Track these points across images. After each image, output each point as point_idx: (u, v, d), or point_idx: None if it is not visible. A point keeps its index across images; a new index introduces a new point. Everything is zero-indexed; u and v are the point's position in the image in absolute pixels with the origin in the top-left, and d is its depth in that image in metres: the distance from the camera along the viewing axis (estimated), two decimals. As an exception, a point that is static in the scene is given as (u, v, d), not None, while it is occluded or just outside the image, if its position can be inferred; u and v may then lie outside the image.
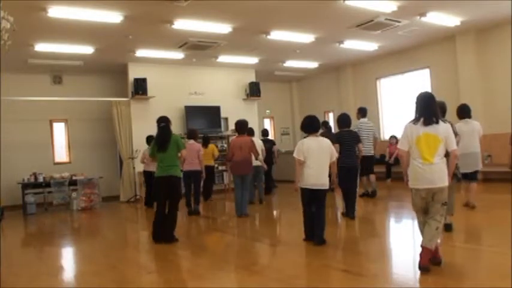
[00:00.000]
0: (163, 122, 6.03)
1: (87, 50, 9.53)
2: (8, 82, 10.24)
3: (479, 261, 4.11)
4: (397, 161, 11.42)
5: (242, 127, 7.74)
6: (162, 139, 5.91)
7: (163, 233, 5.75)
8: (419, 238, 5.59)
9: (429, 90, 11.34)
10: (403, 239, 5.63)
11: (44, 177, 10.27)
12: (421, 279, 3.75)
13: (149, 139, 9.16)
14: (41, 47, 9.00)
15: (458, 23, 9.37)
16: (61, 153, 11.71)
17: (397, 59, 11.92)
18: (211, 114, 12.09)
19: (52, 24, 7.64)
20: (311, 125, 5.20)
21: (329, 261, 4.51)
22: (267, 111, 14.84)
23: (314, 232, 5.05)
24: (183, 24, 8.19)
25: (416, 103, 3.92)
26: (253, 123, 12.99)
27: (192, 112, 11.83)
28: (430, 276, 3.76)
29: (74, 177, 10.52)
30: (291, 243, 5.68)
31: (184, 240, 6.04)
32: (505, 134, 9.13)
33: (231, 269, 4.54)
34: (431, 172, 3.70)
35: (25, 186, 10.07)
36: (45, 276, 4.55)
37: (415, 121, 3.80)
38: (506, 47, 9.51)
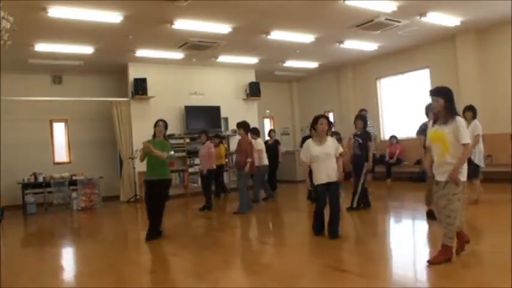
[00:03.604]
0: None
1: (87, 50, 9.53)
2: (8, 82, 10.25)
3: (479, 261, 4.11)
4: (398, 161, 11.44)
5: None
6: None
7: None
8: (419, 238, 5.62)
9: (429, 90, 11.37)
10: (403, 238, 5.63)
11: (44, 177, 10.27)
12: (421, 280, 3.76)
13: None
14: (41, 47, 9.00)
15: (458, 23, 9.37)
16: (61, 153, 11.70)
17: (397, 59, 11.91)
18: (211, 114, 12.09)
19: (52, 24, 7.64)
20: None
21: (329, 261, 4.51)
22: (267, 111, 14.84)
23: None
24: (183, 24, 8.19)
25: None
26: (253, 123, 13.03)
27: (192, 112, 11.82)
28: (430, 276, 3.76)
29: (74, 177, 10.52)
30: (291, 243, 5.68)
31: (184, 239, 6.04)
32: (505, 134, 9.15)
33: (231, 269, 4.54)
34: None
35: (25, 186, 10.07)
36: (45, 277, 4.55)
37: None
38: (506, 47, 9.50)
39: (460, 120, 4.00)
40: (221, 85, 12.61)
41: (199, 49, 10.13)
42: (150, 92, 11.22)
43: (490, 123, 9.13)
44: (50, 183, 10.23)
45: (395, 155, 11.37)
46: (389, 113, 12.67)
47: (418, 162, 11.17)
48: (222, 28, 8.62)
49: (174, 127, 11.72)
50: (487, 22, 9.59)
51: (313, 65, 12.97)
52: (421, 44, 11.03)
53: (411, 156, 11.44)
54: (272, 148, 10.62)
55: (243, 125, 8.18)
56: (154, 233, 6.07)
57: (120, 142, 11.31)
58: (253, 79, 13.05)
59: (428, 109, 6.01)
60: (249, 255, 5.16)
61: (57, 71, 11.41)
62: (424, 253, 4.70)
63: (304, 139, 8.22)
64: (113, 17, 7.56)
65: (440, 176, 4.02)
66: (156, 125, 6.35)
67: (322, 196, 5.45)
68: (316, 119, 5.55)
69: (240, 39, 9.56)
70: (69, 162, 11.63)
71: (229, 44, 9.82)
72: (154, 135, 6.36)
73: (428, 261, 3.94)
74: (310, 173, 5.59)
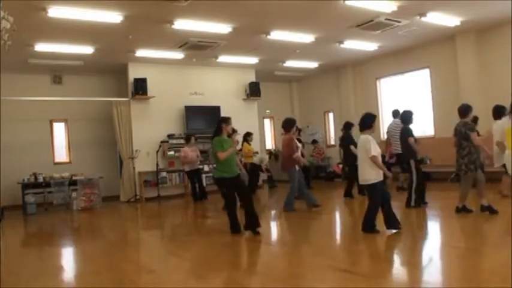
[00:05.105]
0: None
1: (87, 50, 9.53)
2: (8, 82, 10.25)
3: (480, 261, 4.11)
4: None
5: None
6: None
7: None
8: (419, 238, 5.61)
9: (429, 90, 11.39)
10: (403, 238, 5.62)
11: (44, 177, 10.27)
12: (422, 280, 3.75)
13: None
14: (41, 47, 9.00)
15: (458, 23, 9.37)
16: (61, 153, 11.71)
17: (397, 59, 11.91)
18: (211, 114, 12.06)
19: (52, 24, 7.64)
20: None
21: (329, 261, 4.51)
22: (267, 111, 14.83)
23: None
24: (183, 24, 8.19)
25: None
26: (253, 123, 13.04)
27: (192, 112, 11.83)
28: (431, 276, 3.76)
29: (74, 177, 10.52)
30: (291, 243, 5.68)
31: (184, 239, 6.04)
32: (505, 134, 9.13)
33: (232, 269, 4.53)
34: None
35: (25, 186, 10.07)
36: (45, 276, 4.54)
37: None
38: (506, 47, 9.50)
39: None
40: (221, 85, 12.62)
41: (199, 49, 10.13)
42: (150, 92, 11.22)
43: (490, 123, 9.12)
44: (50, 183, 10.23)
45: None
46: (389, 113, 12.63)
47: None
48: (222, 28, 8.62)
49: (174, 127, 11.74)
50: (487, 22, 9.59)
51: (313, 65, 12.97)
52: (421, 44, 11.02)
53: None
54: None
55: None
56: (254, 222, 5.88)
57: (120, 142, 11.31)
58: (253, 79, 13.06)
59: (502, 111, 6.69)
60: (251, 255, 5.16)
61: (57, 71, 11.42)
62: (425, 253, 4.71)
63: (347, 137, 8.87)
64: (113, 17, 7.55)
65: None
66: (228, 122, 5.97)
67: (381, 191, 5.41)
68: (374, 116, 5.57)
69: (240, 39, 9.55)
70: (69, 162, 11.64)
71: (229, 44, 9.82)
72: (221, 132, 5.91)
73: None
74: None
